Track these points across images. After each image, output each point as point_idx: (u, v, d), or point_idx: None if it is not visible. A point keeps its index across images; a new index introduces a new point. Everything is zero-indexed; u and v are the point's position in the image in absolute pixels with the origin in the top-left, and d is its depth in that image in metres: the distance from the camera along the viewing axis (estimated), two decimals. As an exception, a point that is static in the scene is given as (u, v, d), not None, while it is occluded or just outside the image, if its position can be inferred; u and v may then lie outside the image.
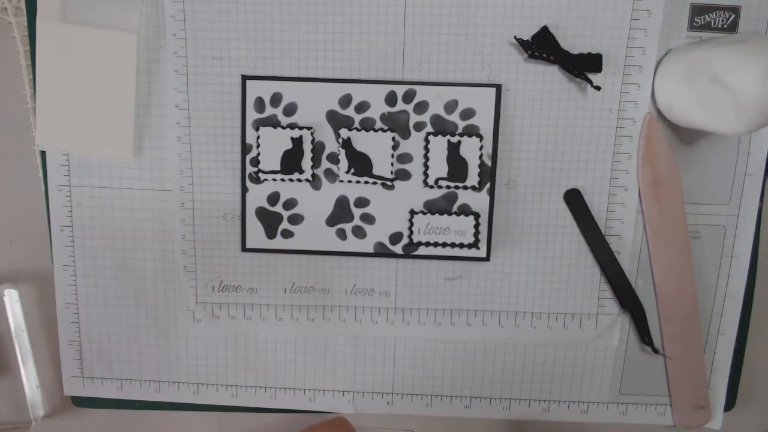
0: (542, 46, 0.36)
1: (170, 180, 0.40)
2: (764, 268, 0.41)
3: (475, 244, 0.39)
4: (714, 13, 0.37)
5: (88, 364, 0.43)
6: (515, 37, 0.37)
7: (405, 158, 0.39)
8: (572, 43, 0.37)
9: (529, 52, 0.36)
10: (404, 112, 0.38)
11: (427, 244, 0.39)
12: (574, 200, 0.38)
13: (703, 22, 0.37)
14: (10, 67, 0.40)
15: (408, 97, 0.38)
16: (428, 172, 0.39)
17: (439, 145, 0.38)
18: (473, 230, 0.39)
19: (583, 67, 0.37)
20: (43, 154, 0.40)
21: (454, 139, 0.38)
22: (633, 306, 0.40)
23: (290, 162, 0.39)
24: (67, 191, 0.41)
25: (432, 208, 0.39)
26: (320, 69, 0.38)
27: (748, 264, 0.41)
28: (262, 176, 0.39)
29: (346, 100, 0.38)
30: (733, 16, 0.37)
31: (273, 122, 0.38)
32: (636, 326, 0.41)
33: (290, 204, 0.39)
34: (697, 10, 0.37)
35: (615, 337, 0.41)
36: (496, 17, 0.37)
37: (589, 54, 0.37)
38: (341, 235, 0.40)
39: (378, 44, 0.38)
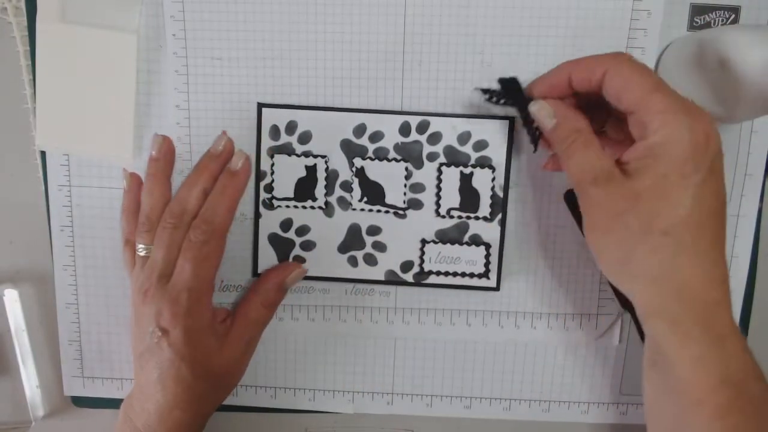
0: (508, 94, 0.36)
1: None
2: (764, 268, 0.41)
3: (485, 274, 0.40)
4: (714, 13, 0.37)
5: (88, 364, 0.43)
6: (477, 88, 0.37)
7: (417, 188, 0.39)
8: (572, 43, 0.37)
9: (490, 97, 0.36)
10: (417, 142, 0.39)
11: (438, 273, 0.40)
12: (575, 200, 0.38)
13: (702, 22, 0.37)
14: (10, 67, 0.40)
15: (422, 127, 0.38)
16: (440, 202, 0.39)
17: (452, 176, 0.39)
18: (484, 260, 0.39)
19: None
20: (43, 154, 0.40)
21: (467, 170, 0.39)
22: (633, 306, 0.40)
23: (304, 189, 0.39)
24: (67, 191, 0.41)
25: (443, 237, 0.40)
26: (319, 63, 0.38)
27: (748, 264, 0.41)
28: (275, 203, 0.39)
29: (360, 130, 0.38)
30: (733, 15, 0.37)
31: (288, 150, 0.39)
32: (636, 326, 0.41)
33: (303, 230, 0.40)
34: (696, 10, 0.37)
35: (615, 337, 0.41)
36: (496, 17, 0.37)
37: None
38: (353, 262, 0.40)
39: (378, 44, 0.38)
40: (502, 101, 0.36)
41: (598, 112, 0.33)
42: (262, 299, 0.38)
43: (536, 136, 0.35)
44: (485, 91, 0.36)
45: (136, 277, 0.37)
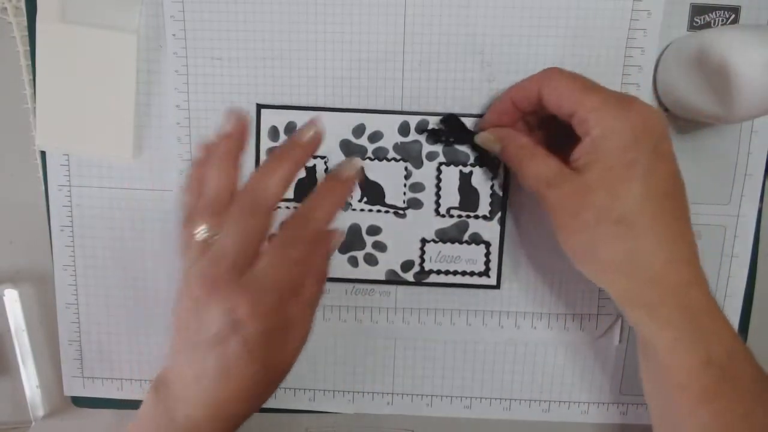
0: (452, 132, 0.38)
1: (170, 180, 0.40)
2: (764, 268, 0.41)
3: (485, 273, 0.40)
4: (714, 13, 0.37)
5: (88, 364, 0.43)
6: (425, 130, 0.38)
7: (417, 187, 0.39)
8: (572, 43, 0.37)
9: (436, 139, 0.38)
10: (417, 142, 0.39)
11: (439, 272, 0.40)
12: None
13: (702, 22, 0.37)
14: (10, 67, 0.40)
15: (421, 127, 0.38)
16: (440, 201, 0.39)
17: (451, 175, 0.39)
18: (484, 259, 0.40)
19: None
20: (42, 154, 0.40)
21: (466, 170, 0.39)
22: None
23: (304, 190, 0.39)
24: (67, 191, 0.41)
25: (443, 236, 0.40)
26: (319, 63, 0.38)
27: (748, 264, 0.41)
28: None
29: (359, 130, 0.39)
30: (733, 15, 0.37)
31: None
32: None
33: None
34: (696, 10, 0.37)
35: (615, 337, 0.41)
36: (496, 17, 0.37)
37: None
38: (353, 262, 0.40)
39: (378, 44, 0.38)
40: (451, 139, 0.38)
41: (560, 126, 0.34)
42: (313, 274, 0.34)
43: (495, 163, 0.38)
44: (430, 133, 0.38)
45: (193, 261, 0.33)
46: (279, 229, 0.33)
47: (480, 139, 0.37)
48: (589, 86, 0.32)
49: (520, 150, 0.34)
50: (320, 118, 0.35)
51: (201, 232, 0.33)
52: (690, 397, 0.30)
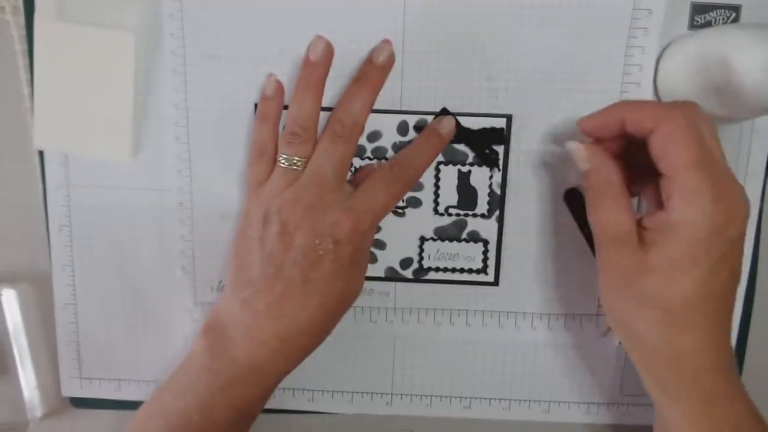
0: (572, 209, 0.38)
1: (168, 180, 0.40)
2: (764, 268, 0.41)
3: (483, 270, 0.40)
4: (714, 12, 0.37)
5: (86, 365, 0.43)
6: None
7: (416, 186, 0.39)
8: (572, 42, 0.37)
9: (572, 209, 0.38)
10: None
11: (437, 269, 0.40)
12: (574, 200, 0.38)
13: (703, 21, 0.37)
14: (8, 66, 0.40)
15: (419, 126, 0.38)
16: (439, 200, 0.39)
17: (450, 174, 0.39)
18: (482, 256, 0.40)
19: (486, 141, 0.38)
20: (41, 153, 0.40)
21: (465, 169, 0.39)
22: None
23: None
24: (66, 191, 0.40)
25: (442, 234, 0.40)
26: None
27: (748, 264, 0.40)
28: None
29: None
30: (734, 14, 0.37)
31: None
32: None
33: None
34: (697, 9, 0.37)
35: (615, 337, 0.41)
36: (496, 17, 0.37)
37: (492, 128, 0.38)
38: None
39: (377, 43, 0.38)
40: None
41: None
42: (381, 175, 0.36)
43: (495, 162, 0.38)
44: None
45: (279, 189, 0.35)
46: (379, 167, 0.37)
47: (571, 147, 0.33)
48: (697, 160, 0.28)
49: (608, 187, 0.31)
50: (391, 40, 0.37)
51: (288, 160, 0.35)
52: None
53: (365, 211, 0.34)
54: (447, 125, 0.37)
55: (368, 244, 0.36)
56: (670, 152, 0.29)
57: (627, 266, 0.30)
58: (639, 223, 0.31)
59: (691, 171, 0.28)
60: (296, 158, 0.35)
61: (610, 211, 0.31)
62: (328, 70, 0.36)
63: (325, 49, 0.36)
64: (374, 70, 0.36)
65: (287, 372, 0.36)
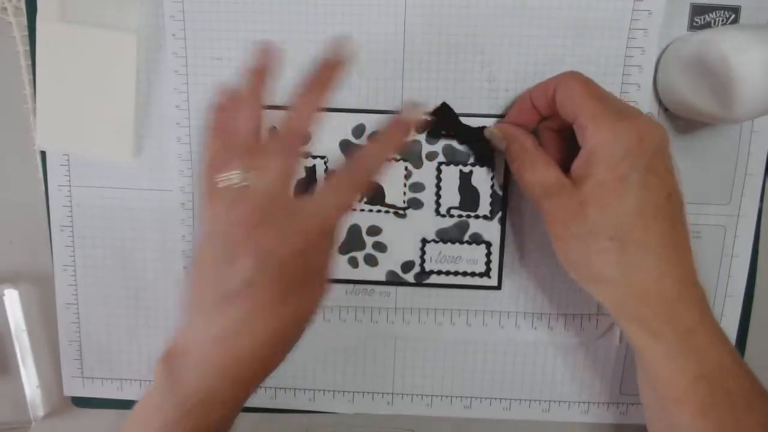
0: (442, 123, 0.38)
1: (170, 180, 0.40)
2: (764, 268, 0.41)
3: (486, 273, 0.40)
4: (714, 13, 0.37)
5: (88, 365, 0.43)
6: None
7: (417, 187, 0.39)
8: (572, 43, 0.37)
9: (432, 130, 0.38)
10: (416, 141, 0.39)
11: (439, 272, 0.40)
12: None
13: (703, 22, 0.37)
14: (10, 67, 0.40)
15: (420, 127, 0.38)
16: (440, 201, 0.39)
17: (451, 175, 0.39)
18: (485, 259, 0.40)
19: (486, 140, 0.37)
20: (43, 154, 0.40)
21: (466, 169, 0.39)
22: None
23: (304, 190, 0.39)
24: (67, 191, 0.41)
25: (444, 236, 0.40)
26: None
27: (748, 264, 0.40)
28: None
29: (359, 130, 0.39)
30: (733, 15, 0.37)
31: None
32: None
33: None
34: (697, 10, 0.37)
35: (615, 337, 0.41)
36: (496, 17, 0.37)
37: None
38: (353, 263, 0.40)
39: (378, 44, 0.38)
40: (442, 132, 0.38)
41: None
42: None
43: (491, 160, 0.38)
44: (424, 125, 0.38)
45: (229, 205, 0.32)
46: (331, 174, 0.33)
47: (488, 132, 0.37)
48: (595, 94, 0.31)
49: (523, 152, 0.34)
50: (340, 39, 0.34)
51: (234, 175, 0.32)
52: (687, 410, 0.30)
53: (311, 228, 0.31)
54: (411, 113, 0.35)
55: (322, 259, 0.33)
56: (573, 96, 0.31)
57: (567, 210, 0.31)
58: (568, 175, 0.32)
59: (593, 100, 0.31)
60: (239, 174, 0.32)
61: (533, 170, 0.33)
62: (274, 79, 0.34)
63: (270, 55, 0.34)
64: (324, 71, 0.33)
65: (245, 398, 0.34)
